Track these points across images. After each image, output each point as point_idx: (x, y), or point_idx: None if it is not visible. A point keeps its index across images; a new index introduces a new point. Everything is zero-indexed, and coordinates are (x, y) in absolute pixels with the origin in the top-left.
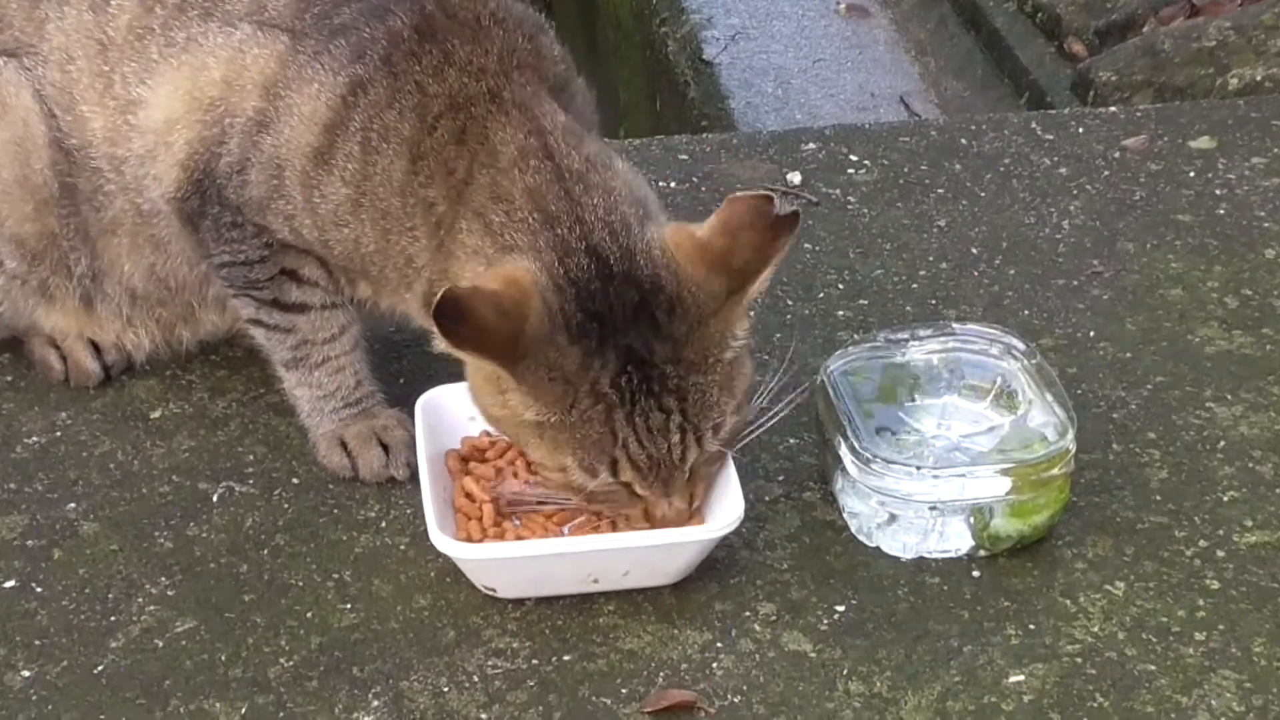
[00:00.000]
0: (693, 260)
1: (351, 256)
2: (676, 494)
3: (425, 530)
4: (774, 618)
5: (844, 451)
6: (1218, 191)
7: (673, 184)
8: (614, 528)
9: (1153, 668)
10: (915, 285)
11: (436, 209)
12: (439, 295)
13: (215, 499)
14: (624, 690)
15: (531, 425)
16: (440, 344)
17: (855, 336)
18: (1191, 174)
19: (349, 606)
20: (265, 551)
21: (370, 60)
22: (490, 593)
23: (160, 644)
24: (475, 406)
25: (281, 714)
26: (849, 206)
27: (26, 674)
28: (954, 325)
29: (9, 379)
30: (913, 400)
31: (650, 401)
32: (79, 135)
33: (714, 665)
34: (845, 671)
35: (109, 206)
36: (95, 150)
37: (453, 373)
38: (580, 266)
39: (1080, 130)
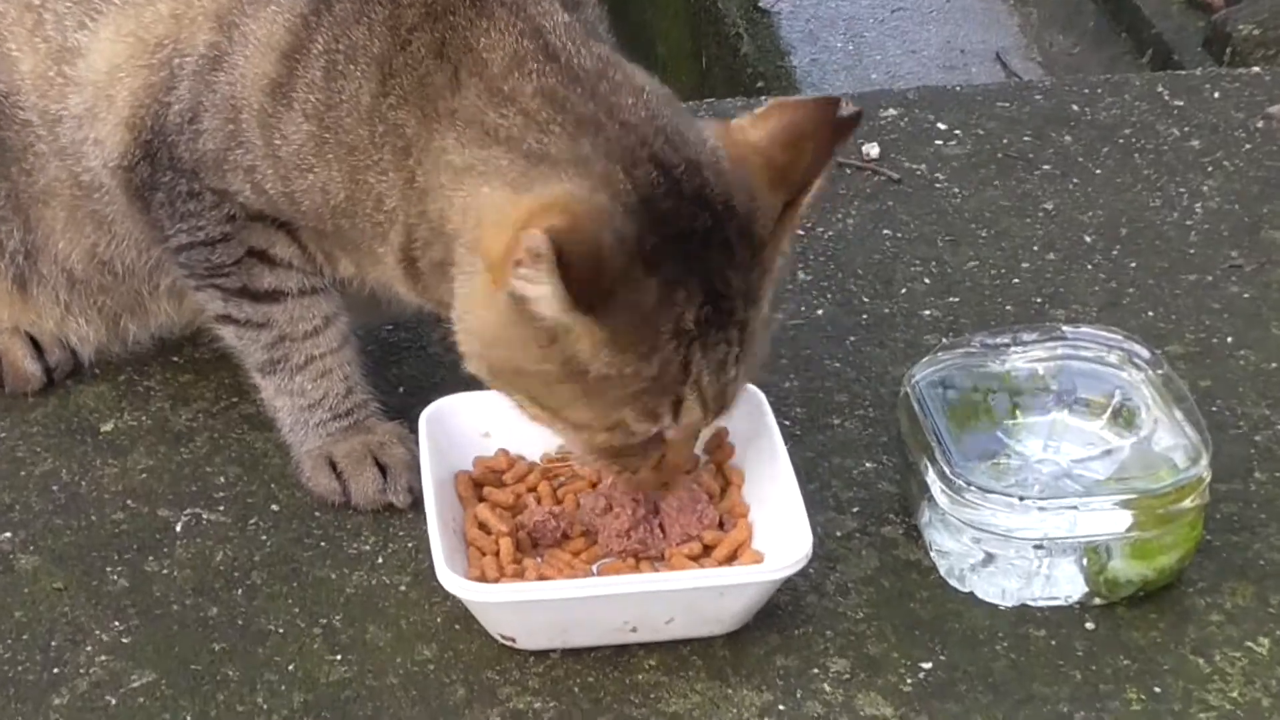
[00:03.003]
0: (756, 175)
1: (321, 212)
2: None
3: (430, 567)
4: (847, 676)
5: (932, 478)
6: None
7: None
8: (654, 567)
9: None
10: (1016, 280)
11: (405, 132)
12: (528, 240)
13: (179, 529)
14: None
15: (585, 379)
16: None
17: (945, 341)
18: None
19: (339, 658)
20: (239, 591)
21: None
22: (508, 643)
23: (113, 701)
24: (478, 360)
25: None
26: (937, 185)
27: None
28: (1064, 328)
29: None
30: (1014, 418)
31: (719, 334)
32: (6, 79)
33: None
34: None
35: (41, 171)
36: (24, 99)
37: (462, 380)
38: (649, 180)
39: (1216, 95)
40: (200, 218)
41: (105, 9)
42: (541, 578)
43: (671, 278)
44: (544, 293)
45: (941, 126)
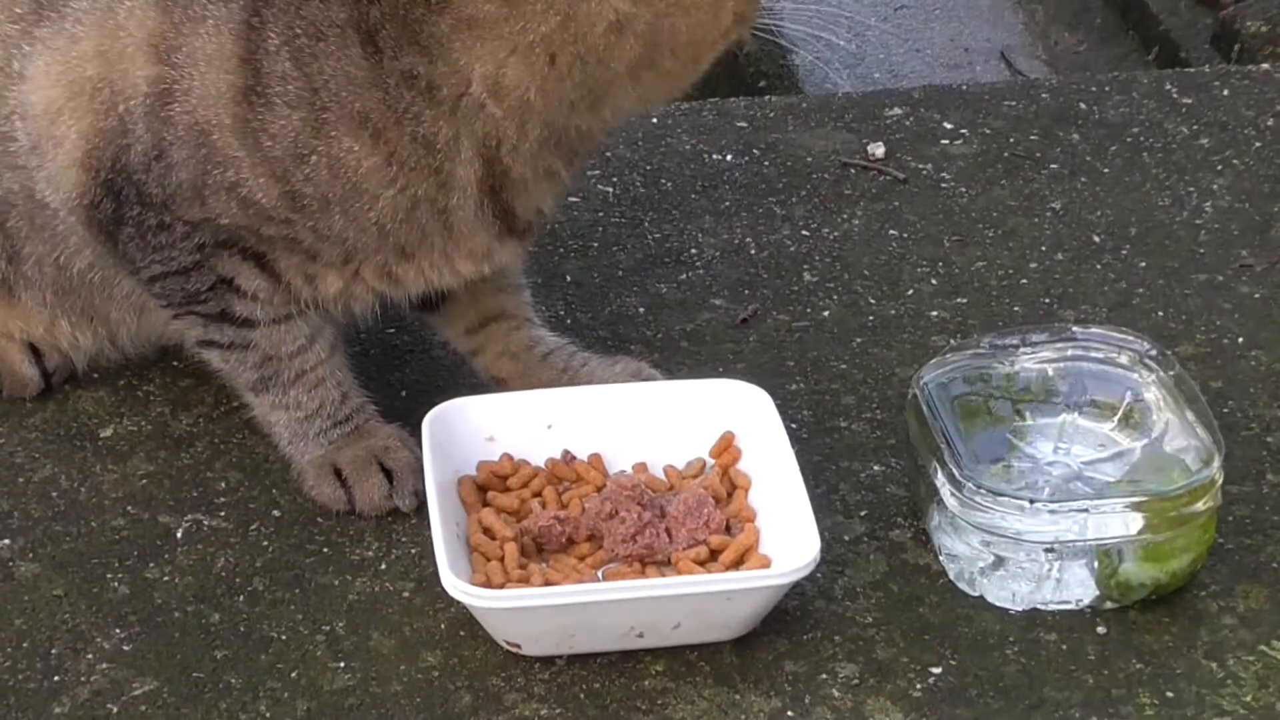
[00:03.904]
0: None
1: (329, 195)
2: None
3: (434, 573)
4: (856, 681)
5: (940, 480)
6: None
7: (729, 156)
8: (660, 572)
9: None
10: (1025, 280)
11: (418, 74)
12: None
13: (179, 535)
14: None
15: None
16: None
17: (953, 342)
18: None
19: (342, 665)
20: (240, 598)
21: None
22: (513, 649)
23: (114, 709)
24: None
25: None
26: (943, 185)
27: None
28: (1073, 329)
29: None
30: (1024, 419)
31: None
32: None
33: None
34: None
35: None
36: None
37: (465, 384)
38: None
39: (1225, 93)
40: (173, 248)
41: (36, 44)
42: (547, 583)
43: None
44: None
45: (948, 126)
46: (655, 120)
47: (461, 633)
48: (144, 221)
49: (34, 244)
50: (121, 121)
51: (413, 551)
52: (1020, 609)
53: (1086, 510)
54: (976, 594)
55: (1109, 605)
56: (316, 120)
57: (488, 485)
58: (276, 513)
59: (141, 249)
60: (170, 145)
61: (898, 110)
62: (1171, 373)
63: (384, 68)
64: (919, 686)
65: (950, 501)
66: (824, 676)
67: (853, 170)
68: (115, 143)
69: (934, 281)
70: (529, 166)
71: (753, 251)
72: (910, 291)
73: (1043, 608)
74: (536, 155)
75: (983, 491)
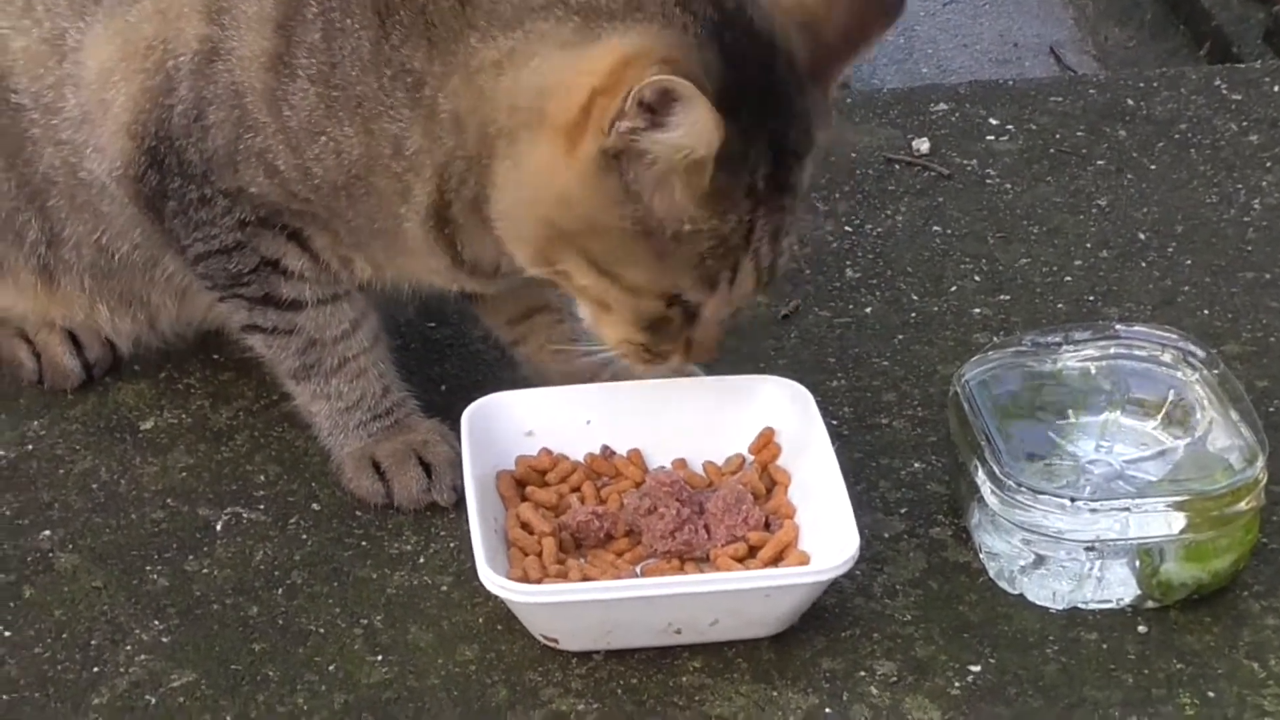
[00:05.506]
0: (789, 17)
1: (335, 179)
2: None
3: (472, 568)
4: (894, 679)
5: (981, 478)
6: None
7: None
8: (698, 568)
9: None
10: (1069, 278)
11: (414, 66)
12: (648, 84)
13: (219, 527)
14: None
15: (656, 239)
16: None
17: (995, 339)
18: None
19: (380, 658)
20: (279, 591)
21: None
22: (550, 644)
23: (153, 700)
24: (530, 238)
25: None
26: (988, 181)
27: None
28: (1117, 327)
29: None
30: (1066, 417)
31: (778, 198)
32: None
33: None
34: None
35: (39, 159)
36: (16, 80)
37: (505, 379)
38: (712, 20)
39: (1275, 88)
40: (214, 225)
41: (93, 7)
42: (585, 578)
43: (747, 129)
44: (671, 137)
45: (993, 121)
46: None
47: (499, 627)
48: (186, 194)
49: (74, 225)
50: (168, 78)
51: (451, 546)
52: (1060, 608)
53: (1128, 509)
54: (1016, 592)
55: (1150, 605)
56: (328, 98)
57: (526, 480)
58: (315, 506)
59: (185, 225)
60: (209, 105)
61: (943, 106)
62: (1215, 371)
63: (384, 55)
64: (957, 685)
65: (991, 499)
66: (862, 674)
67: (897, 166)
68: (160, 103)
69: (977, 278)
70: (465, 214)
71: (795, 247)
72: (953, 288)
73: (1083, 607)
74: (471, 206)
75: (1024, 490)
